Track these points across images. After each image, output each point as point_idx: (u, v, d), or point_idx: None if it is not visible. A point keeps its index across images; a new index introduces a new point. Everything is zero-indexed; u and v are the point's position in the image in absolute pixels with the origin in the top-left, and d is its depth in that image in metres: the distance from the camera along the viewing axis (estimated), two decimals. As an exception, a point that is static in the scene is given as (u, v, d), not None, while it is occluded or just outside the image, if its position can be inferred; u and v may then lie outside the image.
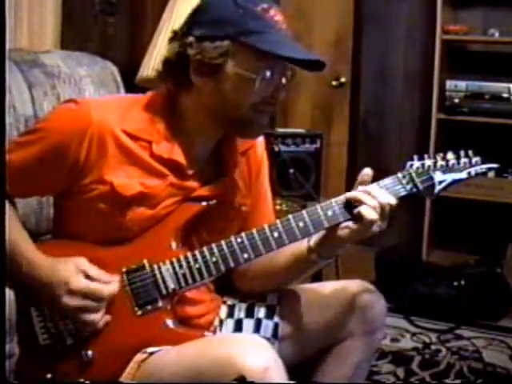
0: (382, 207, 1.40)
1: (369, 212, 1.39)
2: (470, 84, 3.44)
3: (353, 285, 1.60)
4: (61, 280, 1.36)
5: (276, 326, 1.57)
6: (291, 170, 2.90)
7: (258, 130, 1.48)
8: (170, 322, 1.42)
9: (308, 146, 3.17)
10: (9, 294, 1.40)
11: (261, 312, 1.60)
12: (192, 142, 1.47)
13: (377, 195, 1.41)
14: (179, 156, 1.44)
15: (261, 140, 1.62)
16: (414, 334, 2.87)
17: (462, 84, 3.46)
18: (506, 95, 3.37)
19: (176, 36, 1.43)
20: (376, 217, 1.39)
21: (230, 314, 1.61)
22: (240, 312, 1.61)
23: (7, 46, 1.66)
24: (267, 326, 1.57)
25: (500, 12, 3.49)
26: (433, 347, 2.75)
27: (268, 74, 1.38)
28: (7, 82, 1.66)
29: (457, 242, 3.65)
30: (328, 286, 1.63)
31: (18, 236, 1.44)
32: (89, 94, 1.90)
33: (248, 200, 1.58)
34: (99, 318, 1.39)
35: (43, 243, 1.49)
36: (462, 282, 3.06)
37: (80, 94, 1.88)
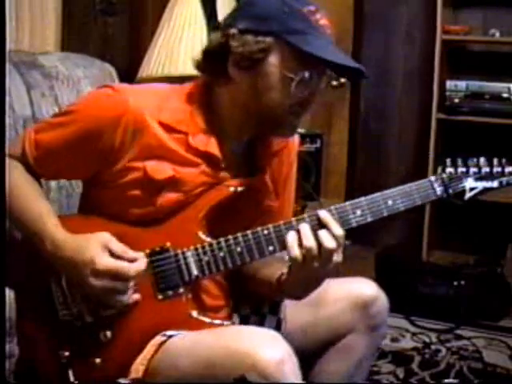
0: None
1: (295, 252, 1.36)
2: (470, 84, 3.44)
3: (355, 281, 1.61)
4: (86, 260, 1.33)
5: (279, 321, 1.57)
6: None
7: (291, 130, 1.46)
8: (194, 313, 1.41)
9: (308, 146, 3.17)
10: (9, 293, 1.40)
11: (265, 307, 1.59)
12: (226, 137, 1.45)
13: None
14: (215, 149, 1.43)
15: (296, 141, 1.61)
16: (414, 334, 2.86)
17: (462, 84, 3.45)
18: (506, 95, 3.36)
19: (219, 27, 1.42)
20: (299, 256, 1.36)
21: (237, 310, 1.60)
22: (246, 309, 1.61)
23: (7, 47, 1.66)
24: (271, 320, 1.57)
25: (500, 12, 3.49)
26: (433, 347, 2.74)
27: (306, 75, 1.37)
28: (7, 83, 1.66)
29: (457, 242, 3.65)
30: (331, 283, 1.62)
31: (42, 210, 1.42)
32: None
33: (276, 202, 1.57)
34: (126, 299, 1.37)
35: (69, 217, 1.47)
36: (462, 282, 3.05)
37: (78, 96, 1.88)
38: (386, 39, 3.85)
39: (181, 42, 2.48)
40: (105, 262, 1.33)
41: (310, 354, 1.61)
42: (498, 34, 3.41)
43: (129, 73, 2.46)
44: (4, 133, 1.54)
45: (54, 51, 2.44)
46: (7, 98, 1.69)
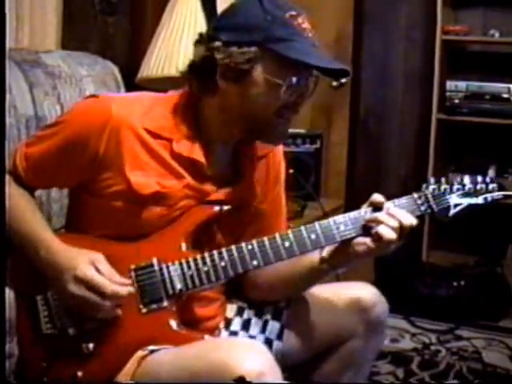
0: (403, 228, 1.39)
1: (388, 232, 1.38)
2: (470, 84, 3.44)
3: (356, 286, 1.61)
4: (70, 266, 1.37)
5: (282, 327, 1.58)
6: (291, 171, 2.90)
7: (279, 137, 1.48)
8: (173, 324, 1.42)
9: (308, 146, 3.17)
10: (9, 294, 1.40)
11: (269, 313, 1.60)
12: (212, 143, 1.47)
13: (398, 216, 1.40)
14: (199, 155, 1.44)
15: (279, 147, 1.62)
16: (413, 335, 2.87)
17: (462, 84, 3.45)
18: (505, 95, 3.37)
19: (202, 39, 1.43)
20: (395, 237, 1.39)
21: (239, 314, 1.61)
22: (250, 312, 1.61)
23: (8, 46, 1.66)
24: (273, 326, 1.58)
25: (500, 12, 3.49)
26: (432, 348, 2.75)
27: (294, 80, 1.38)
28: (7, 81, 1.66)
29: (457, 243, 3.65)
30: (331, 288, 1.63)
31: (37, 225, 1.45)
32: (89, 93, 1.91)
33: (264, 205, 1.58)
34: (102, 315, 1.38)
35: (58, 235, 1.48)
36: (462, 282, 3.06)
37: (81, 94, 1.88)
38: (386, 39, 3.85)
39: (181, 41, 2.47)
40: (86, 270, 1.36)
41: (310, 359, 1.62)
42: (497, 35, 3.42)
43: (129, 73, 2.46)
44: (4, 133, 1.54)
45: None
46: (9, 97, 1.68)
